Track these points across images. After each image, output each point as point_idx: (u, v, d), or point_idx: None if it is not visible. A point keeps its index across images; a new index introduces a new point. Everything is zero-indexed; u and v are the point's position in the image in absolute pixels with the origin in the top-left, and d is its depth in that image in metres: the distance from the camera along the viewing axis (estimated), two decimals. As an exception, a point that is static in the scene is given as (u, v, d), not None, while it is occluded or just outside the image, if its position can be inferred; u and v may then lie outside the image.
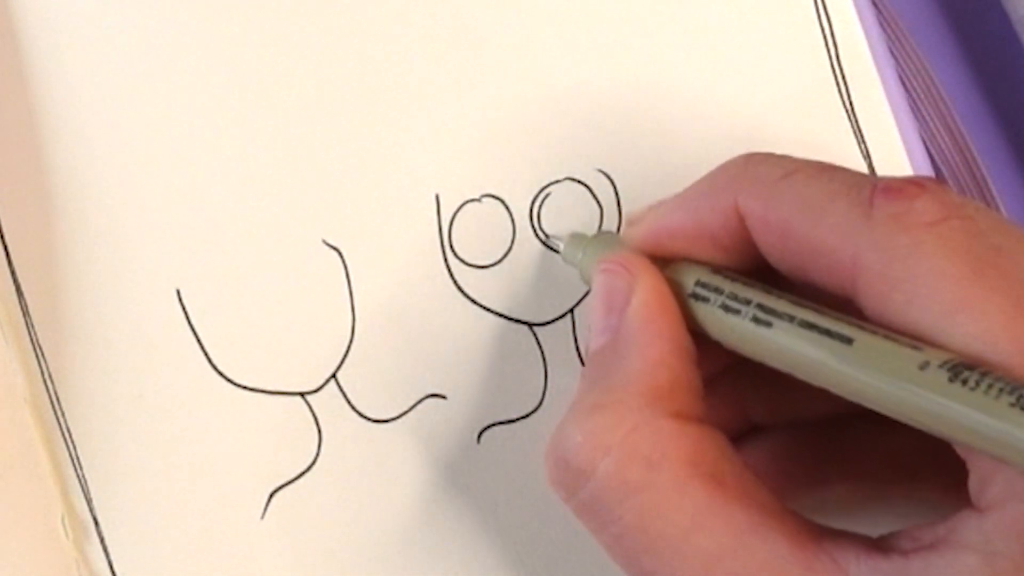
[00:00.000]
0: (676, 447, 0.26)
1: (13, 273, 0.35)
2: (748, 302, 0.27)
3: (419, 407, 0.34)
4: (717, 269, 0.28)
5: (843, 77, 0.34)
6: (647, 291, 0.28)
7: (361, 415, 0.34)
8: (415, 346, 0.34)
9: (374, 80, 0.34)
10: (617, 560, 0.26)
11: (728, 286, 0.27)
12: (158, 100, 0.35)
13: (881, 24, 0.35)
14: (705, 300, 0.28)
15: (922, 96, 0.38)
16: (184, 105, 0.35)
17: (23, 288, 0.35)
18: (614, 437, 0.26)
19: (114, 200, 0.35)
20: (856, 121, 0.34)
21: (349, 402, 0.34)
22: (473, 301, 0.34)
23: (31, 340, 0.35)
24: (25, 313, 0.35)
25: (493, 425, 0.34)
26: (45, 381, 0.35)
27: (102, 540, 0.35)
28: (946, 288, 0.24)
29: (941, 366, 0.23)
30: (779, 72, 0.34)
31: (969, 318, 0.23)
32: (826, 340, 0.25)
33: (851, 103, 0.34)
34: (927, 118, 0.38)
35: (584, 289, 0.34)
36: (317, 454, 0.34)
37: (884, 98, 0.34)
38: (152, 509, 0.35)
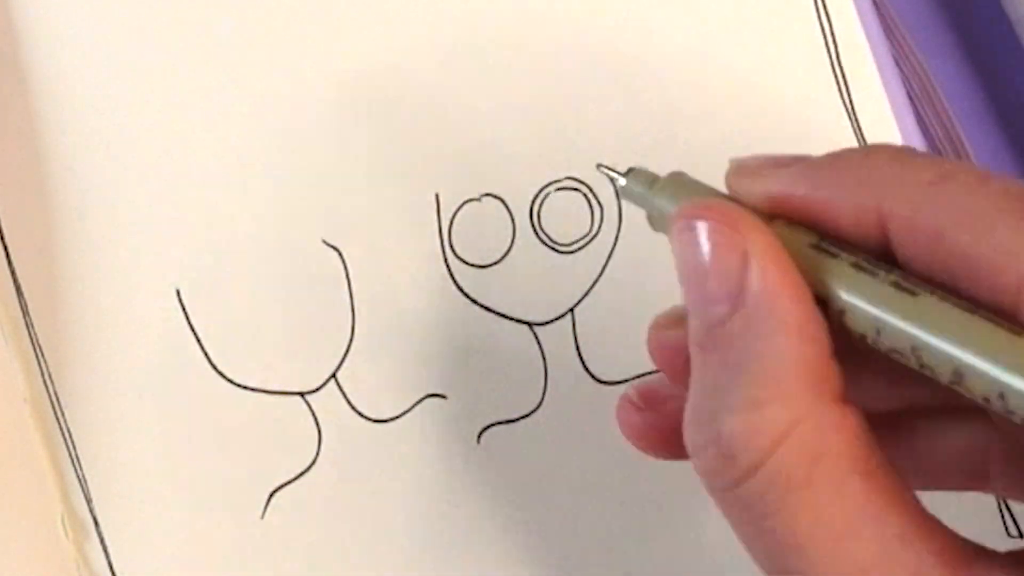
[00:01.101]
0: (837, 440, 0.24)
1: (13, 273, 0.35)
2: (890, 270, 0.24)
3: (419, 407, 0.34)
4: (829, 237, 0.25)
5: (843, 77, 0.34)
6: (769, 255, 0.25)
7: (361, 415, 0.34)
8: (415, 346, 0.34)
9: (374, 80, 0.34)
10: (757, 554, 0.25)
11: (854, 252, 0.24)
12: (158, 100, 0.35)
13: (881, 24, 0.35)
14: (834, 256, 0.25)
15: (920, 96, 0.38)
16: (184, 105, 0.35)
17: (23, 288, 0.35)
18: (779, 430, 0.24)
19: (114, 200, 0.35)
20: (856, 121, 0.34)
21: (349, 402, 0.34)
22: (473, 301, 0.34)
23: (31, 340, 0.35)
24: (25, 313, 0.35)
25: (493, 425, 0.34)
26: (45, 381, 0.35)
27: (102, 540, 0.35)
28: None
29: None
30: (779, 72, 0.34)
31: None
32: (984, 327, 0.22)
33: (851, 103, 0.34)
34: (925, 117, 0.38)
35: (584, 289, 0.34)
36: (317, 454, 0.34)
37: (884, 98, 0.34)
38: (152, 509, 0.35)
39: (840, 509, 0.24)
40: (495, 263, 0.34)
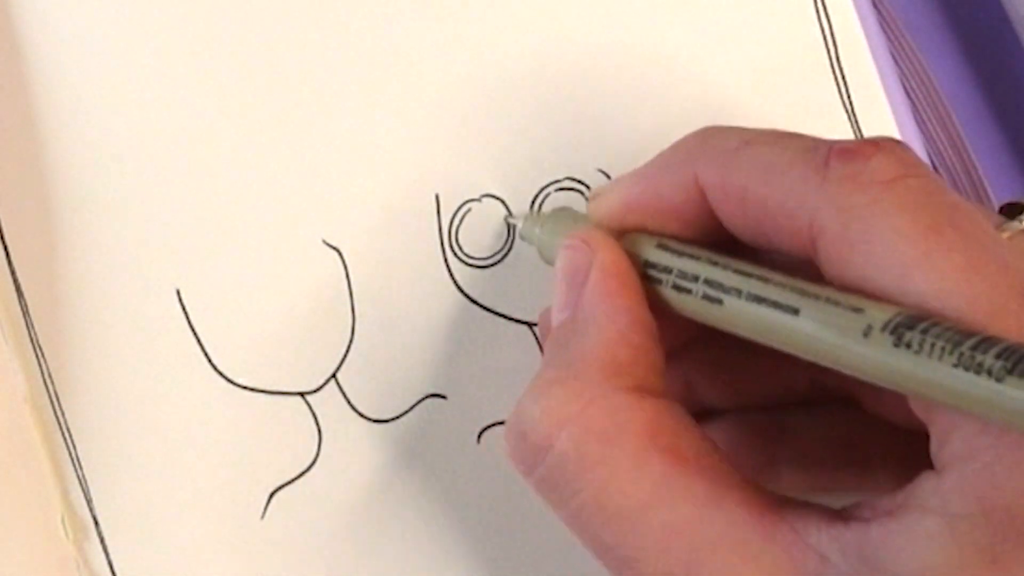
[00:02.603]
0: (633, 420, 0.26)
1: (13, 273, 0.35)
2: (696, 278, 0.27)
3: (419, 407, 0.34)
4: (664, 243, 0.28)
5: (843, 77, 0.34)
6: (605, 266, 0.28)
7: (361, 415, 0.34)
8: (415, 346, 0.34)
9: (374, 80, 0.34)
10: (578, 535, 0.26)
11: (676, 262, 0.28)
12: (158, 100, 0.35)
13: (880, 24, 0.35)
14: (658, 282, 0.28)
15: (920, 96, 0.38)
16: (184, 105, 0.35)
17: (23, 288, 0.35)
18: (570, 411, 0.26)
19: (114, 200, 0.35)
20: (856, 121, 0.34)
21: (349, 402, 0.34)
22: (473, 301, 0.34)
23: (31, 340, 0.35)
24: (25, 313, 0.35)
25: (493, 425, 0.34)
26: (45, 381, 0.35)
27: (102, 540, 0.35)
28: (903, 246, 0.24)
29: (883, 328, 0.23)
30: (779, 72, 0.34)
31: (925, 276, 0.24)
32: (774, 312, 0.25)
33: (851, 103, 0.34)
34: (924, 118, 0.38)
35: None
36: (317, 454, 0.34)
37: (884, 98, 0.34)
38: (152, 509, 0.35)
39: (642, 481, 0.25)
40: (495, 263, 0.34)
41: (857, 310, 0.24)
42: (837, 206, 0.25)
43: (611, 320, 0.27)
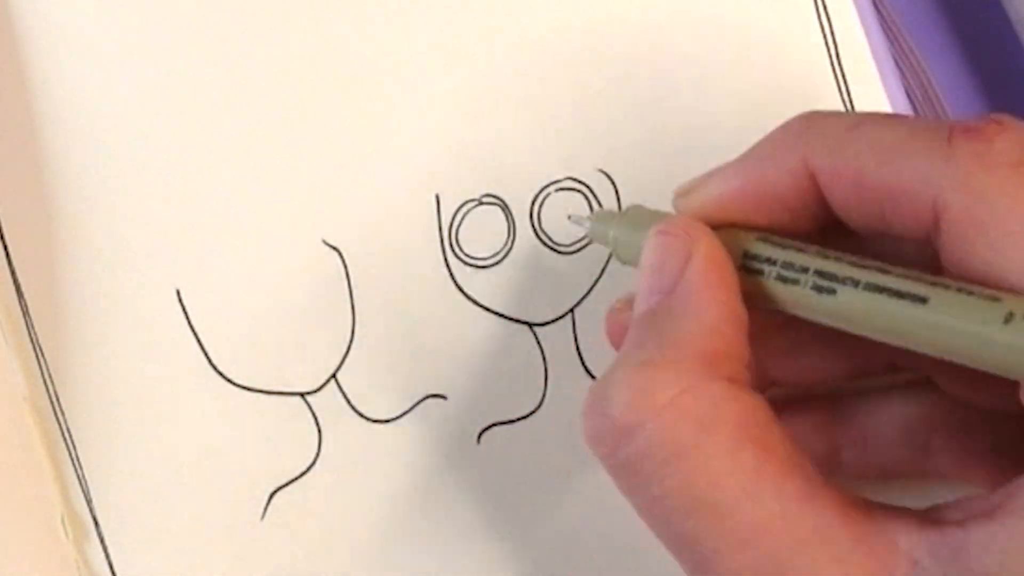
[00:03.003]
0: (729, 411, 0.25)
1: (13, 273, 0.35)
2: (805, 270, 0.26)
3: (419, 407, 0.34)
4: (764, 236, 0.27)
5: (843, 77, 0.34)
6: (707, 255, 0.27)
7: (361, 415, 0.34)
8: (415, 346, 0.34)
9: (374, 80, 0.34)
10: (653, 522, 0.26)
11: (780, 254, 0.27)
12: (158, 100, 0.35)
13: (880, 24, 0.35)
14: (759, 273, 0.27)
15: (920, 96, 0.38)
16: (184, 105, 0.35)
17: (23, 288, 0.35)
18: (666, 396, 0.25)
19: (114, 200, 0.35)
20: (856, 121, 0.34)
21: (349, 402, 0.34)
22: (473, 301, 0.34)
23: (31, 340, 0.35)
24: (25, 313, 0.35)
25: (493, 425, 0.34)
26: (45, 381, 0.35)
27: (102, 540, 0.35)
28: None
29: None
30: (779, 72, 0.34)
31: None
32: (898, 302, 0.24)
33: (851, 103, 0.34)
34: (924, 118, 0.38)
35: (585, 288, 0.34)
36: (317, 454, 0.34)
37: (884, 98, 0.34)
38: (152, 509, 0.35)
39: (735, 473, 0.25)
40: (495, 263, 0.34)
41: (994, 299, 0.23)
42: (964, 186, 0.24)
43: (710, 310, 0.26)
